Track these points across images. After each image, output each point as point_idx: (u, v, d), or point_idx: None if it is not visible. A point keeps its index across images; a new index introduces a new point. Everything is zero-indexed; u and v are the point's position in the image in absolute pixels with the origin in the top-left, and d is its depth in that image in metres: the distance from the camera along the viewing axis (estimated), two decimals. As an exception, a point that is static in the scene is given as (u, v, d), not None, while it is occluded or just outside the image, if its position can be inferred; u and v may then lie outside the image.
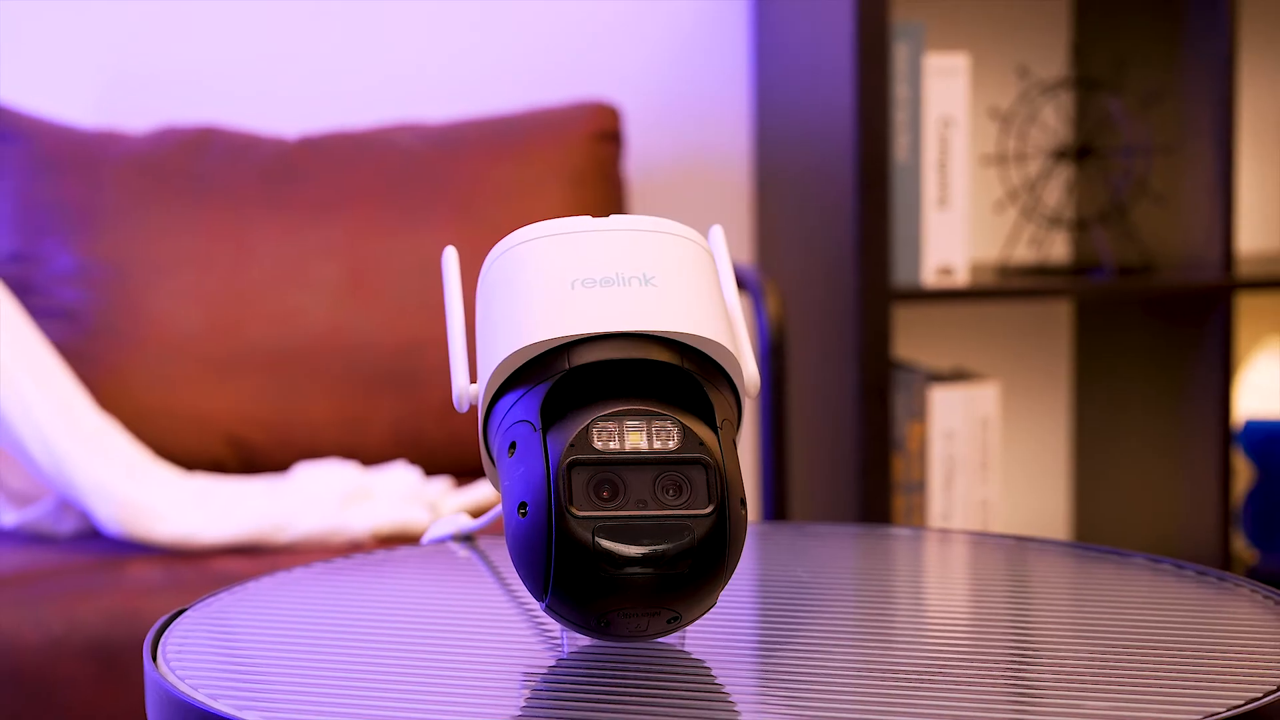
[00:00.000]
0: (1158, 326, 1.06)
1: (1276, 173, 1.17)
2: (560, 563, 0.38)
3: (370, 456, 0.93)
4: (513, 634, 0.43)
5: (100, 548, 0.80)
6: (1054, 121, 1.12)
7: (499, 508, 0.43)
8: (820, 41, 0.99)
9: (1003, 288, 1.01)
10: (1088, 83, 1.10)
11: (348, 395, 0.93)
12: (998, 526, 1.05)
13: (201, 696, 0.38)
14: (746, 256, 1.13)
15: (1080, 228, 1.11)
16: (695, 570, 0.38)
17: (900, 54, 0.98)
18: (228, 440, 0.93)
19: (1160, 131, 1.04)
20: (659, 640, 0.41)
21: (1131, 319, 1.09)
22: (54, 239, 0.94)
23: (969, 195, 1.08)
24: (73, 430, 0.80)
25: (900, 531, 0.55)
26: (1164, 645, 0.41)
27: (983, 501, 1.04)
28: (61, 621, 0.73)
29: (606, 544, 0.38)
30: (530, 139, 0.98)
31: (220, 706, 0.37)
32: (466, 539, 0.52)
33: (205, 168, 0.96)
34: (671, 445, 0.39)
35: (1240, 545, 1.10)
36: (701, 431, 0.39)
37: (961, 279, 1.00)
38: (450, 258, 0.46)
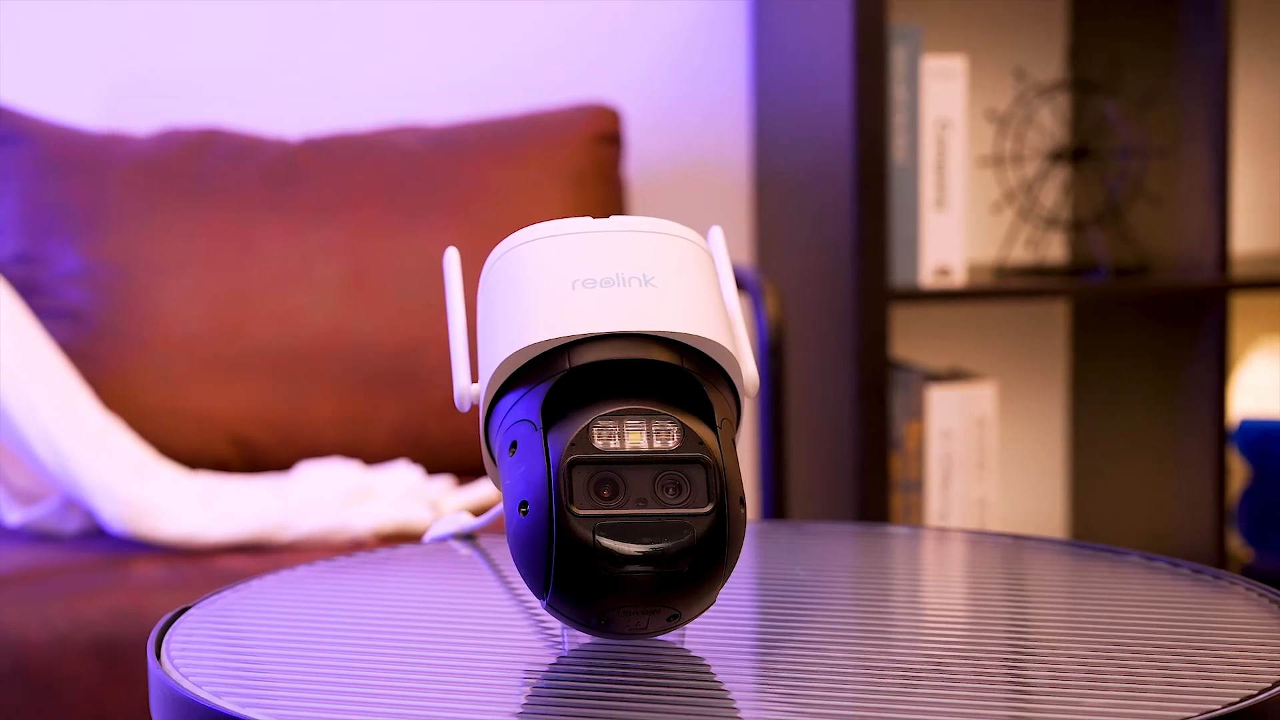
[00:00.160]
0: (1153, 327, 1.06)
1: (1271, 174, 1.17)
2: (561, 561, 0.38)
3: (372, 456, 0.94)
4: (514, 632, 0.44)
5: (105, 546, 0.80)
6: (1050, 123, 1.12)
7: (500, 506, 0.43)
8: (819, 44, 0.99)
9: (1000, 288, 1.01)
10: (1084, 85, 1.10)
11: (350, 395, 0.93)
12: (995, 525, 1.05)
13: (205, 694, 0.38)
14: (746, 257, 1.13)
15: (1077, 229, 1.11)
16: (695, 568, 0.38)
17: (898, 56, 0.98)
18: (231, 440, 0.93)
19: (1156, 133, 1.05)
20: (659, 638, 0.41)
21: (1127, 319, 1.09)
22: (59, 240, 0.95)
23: (966, 196, 1.08)
24: (78, 430, 0.80)
25: (898, 530, 0.55)
26: (1160, 643, 0.41)
27: (980, 500, 1.04)
28: (66, 619, 0.74)
29: (607, 542, 0.38)
30: (531, 141, 0.98)
31: (224, 704, 0.38)
32: (468, 537, 0.52)
33: (209, 169, 0.96)
34: (671, 444, 0.39)
35: (1235, 544, 1.10)
36: (701, 431, 0.39)
37: (959, 279, 1.00)
38: (452, 258, 0.46)
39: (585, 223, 0.42)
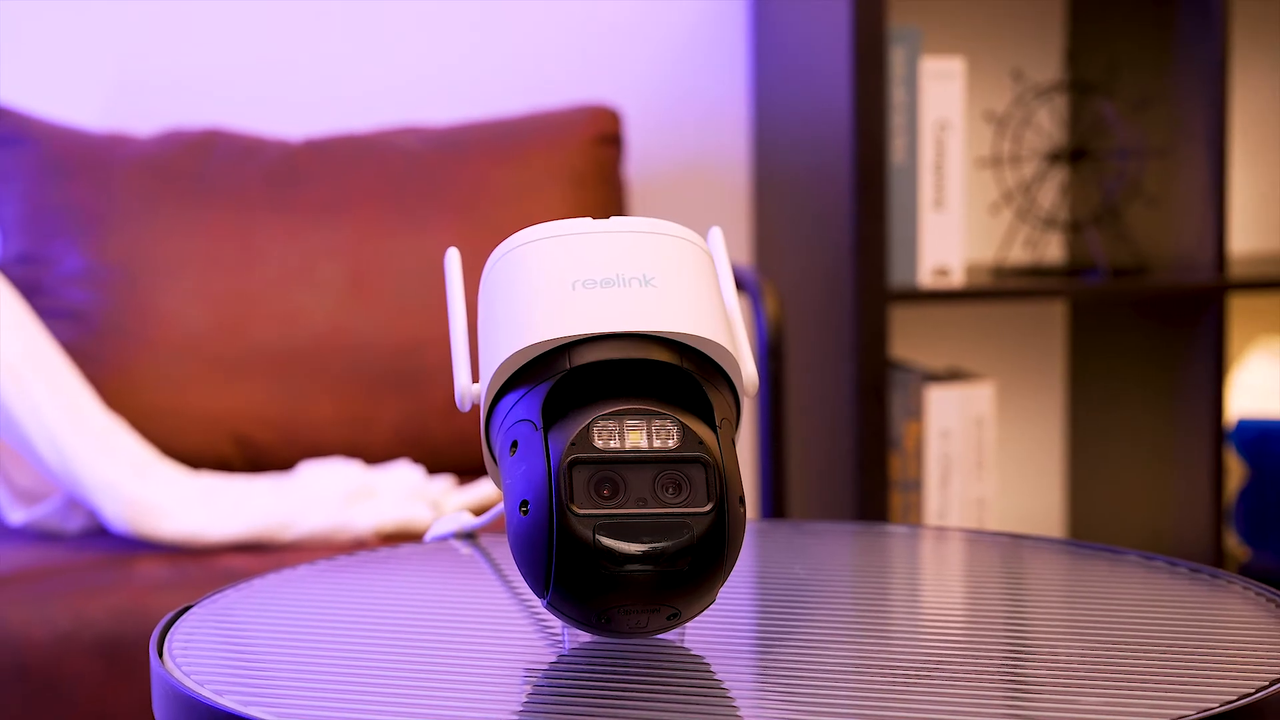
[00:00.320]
0: (1151, 327, 1.06)
1: (1268, 175, 1.18)
2: (561, 560, 0.38)
3: (374, 455, 0.94)
4: (514, 630, 0.44)
5: (107, 545, 0.80)
6: (1048, 124, 1.12)
7: (501, 506, 0.43)
8: (818, 46, 0.99)
9: (998, 288, 1.01)
10: (1082, 86, 1.10)
11: (352, 395, 0.93)
12: (993, 524, 1.06)
13: (207, 692, 0.38)
14: (745, 258, 1.13)
15: (1074, 229, 1.11)
16: (695, 567, 0.38)
17: (897, 58, 0.98)
18: (234, 439, 0.93)
19: (1153, 134, 1.05)
20: (659, 636, 0.41)
21: (1125, 319, 1.10)
22: (62, 241, 0.95)
23: (965, 197, 1.08)
24: (81, 429, 0.80)
25: (897, 529, 0.55)
26: (1157, 642, 0.41)
27: (978, 499, 1.05)
28: (69, 618, 0.74)
29: (607, 541, 0.38)
30: (532, 142, 0.98)
31: (226, 702, 0.38)
32: (469, 537, 0.52)
33: (211, 170, 0.96)
34: (671, 444, 0.39)
35: (1232, 543, 1.10)
36: (701, 430, 0.39)
37: (957, 280, 1.00)
38: (453, 259, 0.46)
39: (586, 223, 0.42)
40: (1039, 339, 1.17)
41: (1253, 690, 0.37)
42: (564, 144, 0.99)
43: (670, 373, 0.41)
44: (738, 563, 0.48)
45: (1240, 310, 1.16)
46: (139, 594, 0.75)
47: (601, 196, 1.00)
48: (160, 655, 0.42)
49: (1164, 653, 0.41)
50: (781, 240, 1.08)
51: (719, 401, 0.41)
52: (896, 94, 0.99)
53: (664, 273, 0.42)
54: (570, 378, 0.40)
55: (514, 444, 0.40)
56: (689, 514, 0.38)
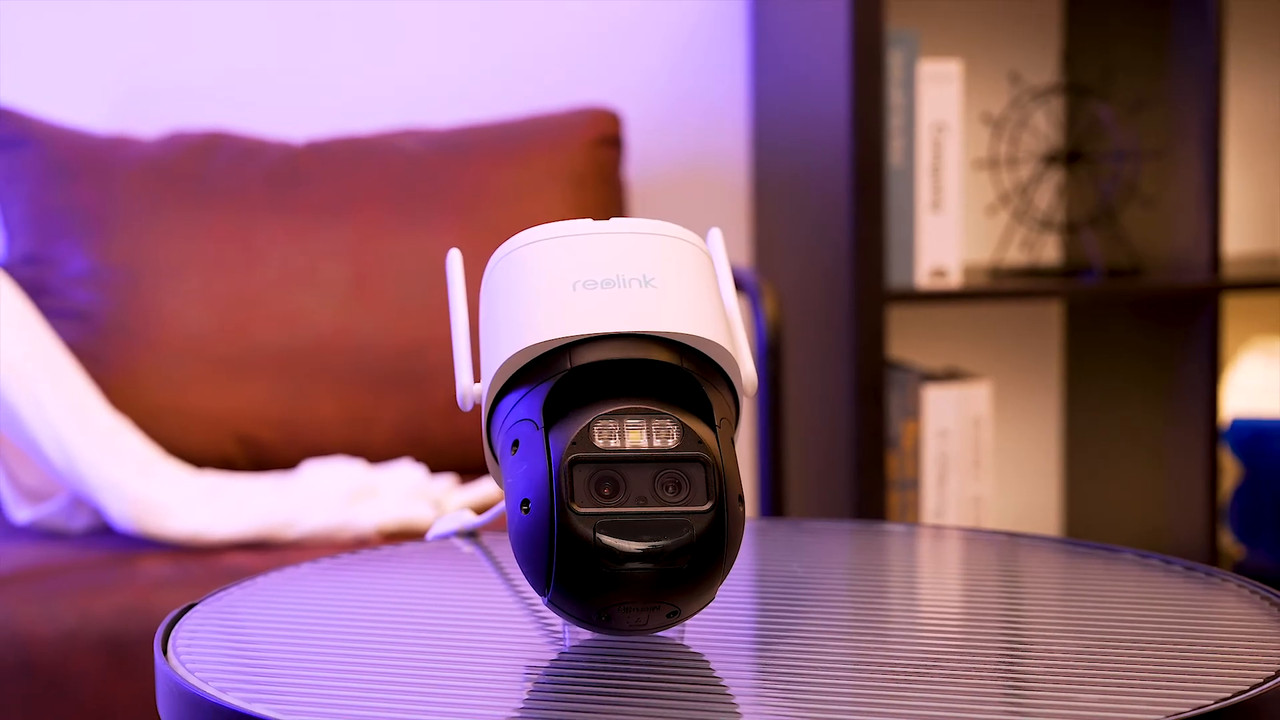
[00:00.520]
0: (1146, 327, 1.07)
1: (1262, 176, 1.18)
2: (562, 558, 0.38)
3: (376, 454, 0.94)
4: (515, 628, 0.44)
5: (112, 544, 0.80)
6: (1045, 127, 1.13)
7: (502, 504, 0.43)
8: (817, 49, 1.00)
9: (995, 289, 1.01)
10: (1078, 89, 1.10)
11: (354, 394, 0.93)
12: (990, 523, 1.06)
13: (211, 689, 0.39)
14: (744, 259, 1.13)
15: (1070, 230, 1.12)
16: (694, 566, 0.38)
17: (895, 61, 0.99)
18: (237, 439, 0.93)
19: (1149, 136, 1.05)
20: (659, 634, 0.42)
21: (1121, 320, 1.10)
22: (67, 242, 0.95)
23: (962, 199, 1.08)
24: (86, 429, 0.80)
25: (894, 528, 0.55)
26: (1152, 639, 0.42)
27: (975, 498, 1.05)
28: (74, 615, 0.74)
29: (607, 540, 0.38)
30: (533, 144, 0.98)
31: (229, 699, 0.38)
32: (470, 535, 0.53)
33: (214, 172, 0.96)
34: (671, 443, 0.39)
35: (1227, 541, 1.10)
36: (700, 430, 0.40)
37: (954, 281, 1.01)
38: (454, 260, 0.46)
39: (586, 224, 0.43)
40: (1035, 339, 1.17)
41: (1247, 687, 0.38)
42: (564, 146, 0.99)
43: (670, 373, 0.41)
44: (737, 561, 0.48)
45: (1235, 311, 1.16)
46: (143, 592, 0.76)
47: (602, 198, 1.00)
48: (165, 653, 0.42)
49: (1159, 650, 0.41)
50: (780, 241, 1.09)
51: (718, 401, 0.42)
52: (894, 96, 0.99)
53: (664, 273, 0.42)
54: (571, 377, 0.40)
55: (515, 443, 0.40)
56: (688, 513, 0.39)
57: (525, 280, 0.42)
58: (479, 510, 0.87)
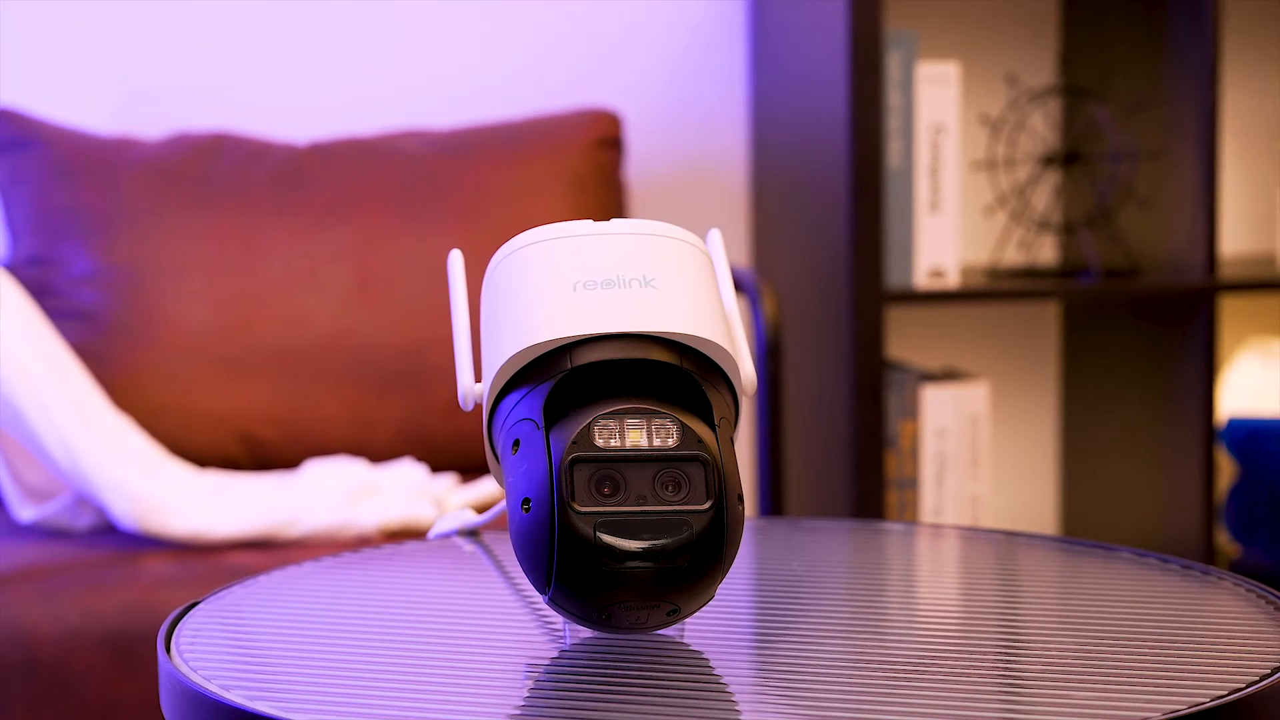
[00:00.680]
0: (1143, 327, 1.07)
1: (1258, 177, 1.18)
2: (562, 557, 0.38)
3: (378, 454, 0.94)
4: (516, 626, 0.44)
5: (116, 542, 0.80)
6: (1042, 128, 1.13)
7: (503, 503, 0.42)
8: (815, 51, 1.00)
9: (992, 290, 1.01)
10: (1075, 91, 1.10)
11: (356, 394, 0.94)
12: (987, 522, 1.06)
13: (214, 687, 0.39)
14: (744, 259, 1.14)
15: (1068, 231, 1.12)
16: (694, 564, 0.39)
17: (893, 62, 0.99)
18: (240, 438, 0.93)
19: (1145, 138, 1.05)
20: (658, 632, 0.42)
21: (1118, 320, 1.10)
22: (71, 243, 0.95)
23: (960, 200, 1.09)
24: (89, 428, 0.80)
25: (893, 527, 0.55)
26: (1149, 637, 0.42)
27: (973, 497, 1.05)
28: (78, 614, 0.74)
29: (607, 539, 0.38)
30: (533, 145, 0.99)
31: (232, 697, 0.38)
32: (471, 534, 0.53)
33: (217, 173, 0.96)
34: (671, 443, 0.39)
35: (1223, 540, 1.10)
36: (700, 429, 0.40)
37: (952, 281, 1.01)
38: (456, 261, 0.46)
39: (586, 225, 0.43)
40: (1033, 339, 1.18)
41: (1244, 685, 0.38)
42: (565, 147, 0.99)
43: (670, 372, 0.41)
44: (736, 559, 0.48)
45: (1230, 311, 1.16)
46: (147, 591, 0.76)
47: (602, 199, 1.00)
48: (168, 651, 0.42)
49: (1156, 648, 0.41)
50: (779, 242, 1.09)
51: (718, 401, 0.42)
52: (892, 98, 0.99)
53: (664, 274, 0.42)
54: (571, 377, 0.41)
55: (516, 443, 0.40)
56: (688, 512, 0.39)
57: (526, 281, 0.42)
58: (480, 509, 0.87)
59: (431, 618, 0.45)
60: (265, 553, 0.79)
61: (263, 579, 0.49)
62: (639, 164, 1.11)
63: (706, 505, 0.39)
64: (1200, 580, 0.48)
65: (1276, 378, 1.09)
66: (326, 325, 0.95)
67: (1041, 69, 1.15)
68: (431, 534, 0.53)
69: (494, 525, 0.78)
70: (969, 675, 0.40)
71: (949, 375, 1.07)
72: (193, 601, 0.46)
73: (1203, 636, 0.42)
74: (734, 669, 0.41)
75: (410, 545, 0.53)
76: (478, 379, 0.96)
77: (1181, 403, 1.02)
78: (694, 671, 0.40)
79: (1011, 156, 1.10)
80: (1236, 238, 1.18)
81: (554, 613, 0.44)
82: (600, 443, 0.39)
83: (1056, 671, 0.40)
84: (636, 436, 0.39)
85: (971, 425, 1.04)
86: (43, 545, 0.81)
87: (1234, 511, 1.10)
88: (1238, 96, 1.17)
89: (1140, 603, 0.46)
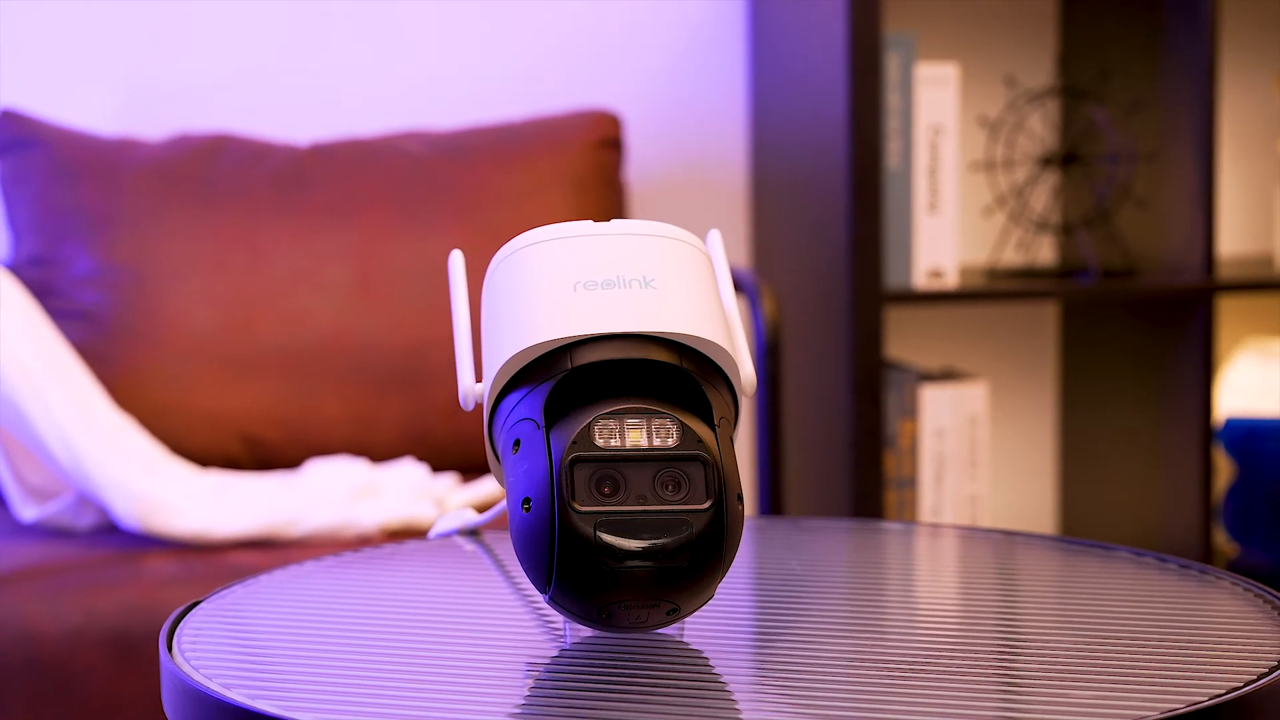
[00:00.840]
0: (1141, 327, 1.07)
1: (1256, 178, 1.19)
2: (563, 556, 0.39)
3: (379, 453, 0.94)
4: (517, 625, 0.44)
5: (118, 542, 0.80)
6: (1040, 129, 1.13)
7: (504, 503, 0.42)
8: (814, 52, 1.00)
9: (991, 290, 1.01)
10: (1073, 92, 1.11)
11: (357, 394, 0.94)
12: (986, 521, 1.06)
13: (215, 686, 0.39)
14: (743, 260, 1.14)
15: (1066, 232, 1.12)
16: (693, 563, 0.39)
17: (892, 64, 0.99)
18: (241, 438, 0.93)
19: (1143, 139, 1.05)
20: (658, 631, 0.42)
21: (1116, 320, 1.10)
22: (73, 243, 0.95)
23: (958, 200, 1.09)
24: (91, 428, 0.81)
25: (892, 526, 0.55)
26: (1147, 636, 0.42)
27: (972, 497, 1.06)
28: (80, 613, 0.74)
29: (608, 538, 0.38)
30: (534, 146, 0.99)
31: (233, 696, 0.38)
32: (472, 533, 0.53)
33: (219, 174, 0.96)
34: (671, 442, 0.39)
35: (1221, 539, 1.10)
36: (700, 429, 0.40)
37: (951, 281, 1.01)
38: (456, 261, 0.46)
39: (587, 226, 0.43)
40: (1031, 339, 1.18)
41: (1241, 684, 0.38)
42: (565, 148, 0.99)
43: (670, 372, 0.41)
44: (736, 559, 0.48)
45: (1228, 311, 1.17)
46: (149, 590, 0.76)
47: (602, 200, 1.00)
48: (170, 650, 0.42)
49: (1154, 647, 0.41)
50: (779, 243, 1.09)
51: (717, 401, 0.42)
52: (891, 99, 0.99)
53: (664, 274, 0.42)
54: (571, 377, 0.41)
55: (516, 442, 0.41)
56: (688, 511, 0.39)
57: (526, 281, 0.42)
58: (480, 509, 0.87)
59: (432, 617, 0.45)
60: (266, 552, 0.79)
61: (264, 578, 0.49)
62: (639, 165, 1.11)
63: (706, 505, 0.39)
64: (1198, 580, 0.48)
65: (1274, 377, 1.10)
66: (327, 325, 0.95)
67: (1040, 70, 1.15)
68: (432, 533, 0.53)
69: (494, 525, 0.79)
70: (967, 674, 0.40)
71: (948, 375, 1.07)
72: (194, 601, 0.46)
73: (1200, 636, 0.43)
74: (733, 668, 0.41)
75: (411, 545, 0.53)
76: (478, 379, 0.97)
77: (1179, 402, 1.03)
78: (694, 670, 0.40)
79: (1010, 157, 1.11)
80: (1234, 238, 1.18)
81: (554, 612, 0.44)
82: (600, 442, 0.39)
83: (1055, 670, 0.40)
84: (636, 436, 0.40)
85: (970, 425, 1.05)
86: (45, 544, 0.81)
87: (1231, 511, 1.11)
88: (1235, 97, 1.17)
89: (1138, 602, 0.46)
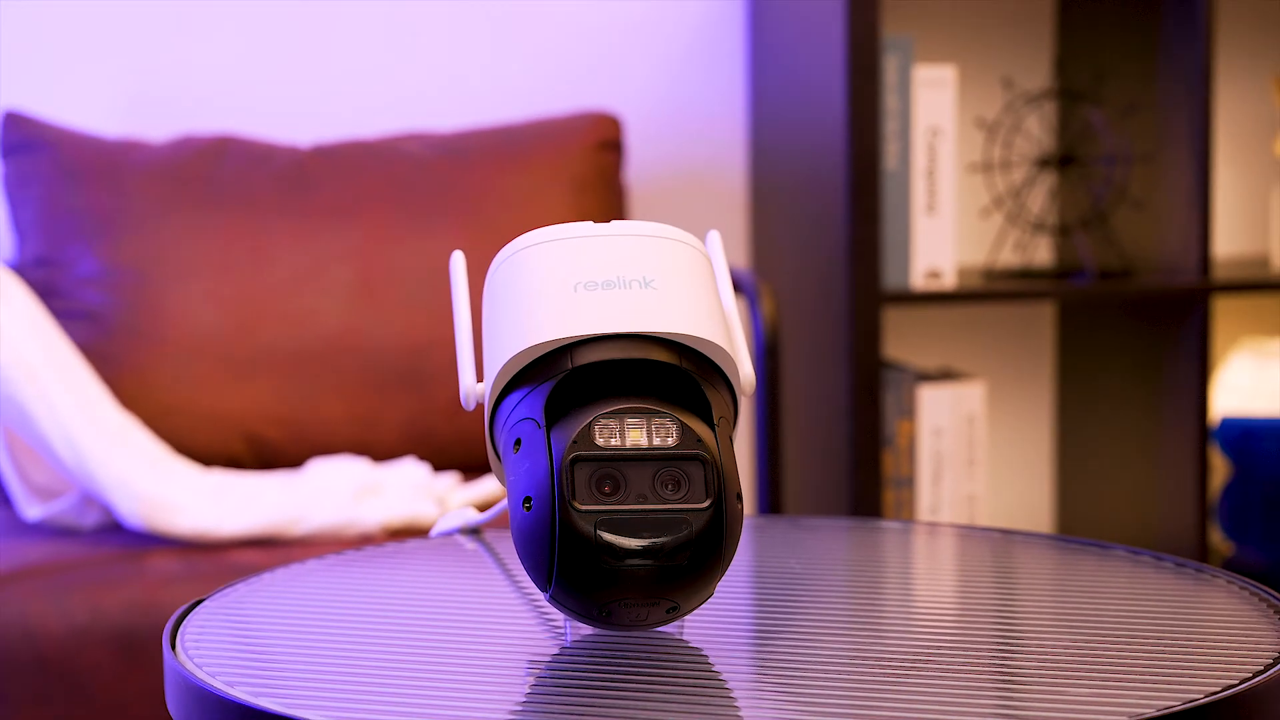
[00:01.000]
0: (1137, 328, 1.07)
1: (1251, 179, 1.19)
2: (563, 555, 0.39)
3: (381, 453, 0.94)
4: (518, 623, 0.44)
5: (122, 540, 0.81)
6: (1038, 131, 1.13)
7: (505, 502, 0.42)
8: (813, 55, 1.00)
9: (989, 290, 1.01)
10: (1070, 94, 1.11)
11: (360, 394, 0.94)
12: (984, 520, 1.06)
13: (218, 683, 0.39)
14: (742, 260, 1.14)
15: (1063, 233, 1.12)
16: (693, 562, 0.39)
17: (890, 66, 0.99)
18: (245, 437, 0.94)
19: (1139, 140, 1.06)
20: (658, 629, 0.42)
21: (1112, 320, 1.10)
22: (78, 244, 0.95)
23: (956, 202, 1.09)
24: (96, 428, 0.81)
25: (890, 525, 0.55)
26: (1144, 634, 0.42)
27: (969, 496, 1.06)
28: (85, 611, 0.74)
29: (608, 537, 0.38)
30: (535, 148, 0.99)
31: (237, 693, 0.38)
32: (473, 532, 0.53)
33: (223, 175, 0.97)
34: (670, 442, 0.39)
35: (1217, 538, 1.10)
36: (699, 429, 0.40)
37: (949, 282, 1.01)
38: (458, 262, 0.46)
39: (587, 227, 0.43)
40: (1029, 340, 1.18)
41: (1236, 682, 0.38)
42: (566, 150, 0.99)
43: (670, 372, 0.41)
44: (735, 557, 0.49)
45: (1224, 311, 1.17)
46: (153, 588, 0.76)
47: (602, 201, 1.00)
48: (173, 647, 0.42)
49: (1150, 645, 0.41)
50: (778, 243, 1.09)
51: (717, 400, 0.42)
52: (889, 101, 1.00)
53: (663, 275, 0.42)
54: (572, 377, 0.41)
55: (517, 442, 0.41)
56: (688, 510, 0.39)
57: (527, 282, 0.42)
58: (482, 508, 0.87)
59: (434, 615, 0.45)
60: (269, 551, 0.80)
61: (267, 576, 0.49)
62: (639, 166, 1.11)
63: (706, 504, 0.39)
64: (1194, 578, 0.48)
65: (1269, 377, 1.10)
66: (331, 326, 0.95)
67: (1037, 72, 1.15)
68: (434, 532, 0.53)
69: (495, 523, 0.79)
70: (965, 671, 0.40)
71: (945, 375, 1.07)
72: (198, 599, 0.47)
73: (1196, 633, 0.43)
74: (733, 666, 0.41)
75: (413, 543, 0.53)
76: (480, 379, 0.98)
77: (1175, 402, 1.03)
78: (693, 668, 0.40)
79: (1007, 159, 1.11)
80: (1229, 239, 1.19)
81: (555, 610, 0.44)
82: (601, 442, 0.39)
83: (1052, 668, 0.40)
84: (636, 436, 0.40)
85: (968, 424, 1.05)
86: (50, 543, 0.81)
87: (1227, 510, 1.11)
88: (1230, 99, 1.17)
89: (1134, 600, 0.46)
